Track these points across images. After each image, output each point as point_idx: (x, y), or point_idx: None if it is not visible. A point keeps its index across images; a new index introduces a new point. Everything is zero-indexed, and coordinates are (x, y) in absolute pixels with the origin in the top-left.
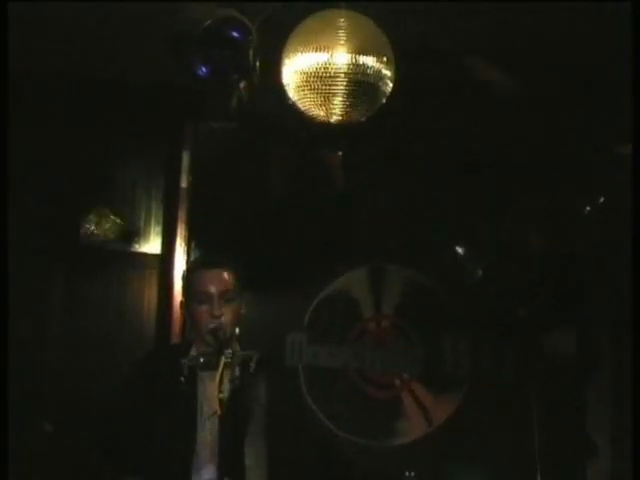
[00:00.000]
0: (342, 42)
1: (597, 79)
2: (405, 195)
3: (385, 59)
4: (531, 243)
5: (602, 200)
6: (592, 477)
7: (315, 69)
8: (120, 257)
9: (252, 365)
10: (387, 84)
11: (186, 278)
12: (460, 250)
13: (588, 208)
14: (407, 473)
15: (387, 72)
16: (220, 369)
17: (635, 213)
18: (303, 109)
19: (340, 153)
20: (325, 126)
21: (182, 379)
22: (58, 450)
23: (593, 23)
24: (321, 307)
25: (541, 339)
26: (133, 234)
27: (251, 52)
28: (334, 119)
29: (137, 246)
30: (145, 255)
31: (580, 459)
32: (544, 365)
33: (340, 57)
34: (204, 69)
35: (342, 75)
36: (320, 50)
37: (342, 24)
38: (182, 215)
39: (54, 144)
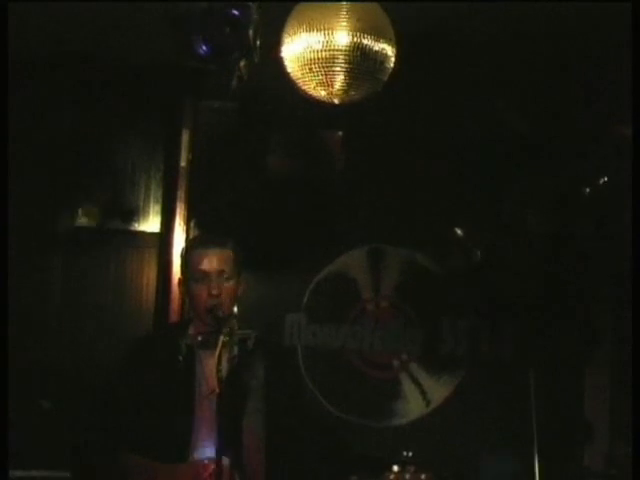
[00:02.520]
0: (343, 22)
1: (598, 61)
2: (405, 176)
3: (386, 39)
4: (531, 224)
5: (603, 181)
6: (589, 459)
7: (316, 49)
8: (119, 236)
9: (250, 344)
10: (388, 64)
11: (185, 257)
12: (459, 231)
13: (588, 189)
14: (404, 453)
15: (388, 52)
16: (219, 348)
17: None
18: (304, 89)
19: (340, 133)
20: (325, 106)
21: (180, 358)
22: (56, 427)
23: (595, 8)
24: (320, 287)
25: (540, 321)
26: (132, 213)
27: (252, 31)
28: (335, 99)
29: (136, 225)
30: (144, 234)
31: (578, 442)
32: (543, 347)
33: (341, 37)
34: (204, 48)
35: (343, 55)
36: (321, 30)
37: (343, 4)
38: (181, 194)
39: (53, 124)
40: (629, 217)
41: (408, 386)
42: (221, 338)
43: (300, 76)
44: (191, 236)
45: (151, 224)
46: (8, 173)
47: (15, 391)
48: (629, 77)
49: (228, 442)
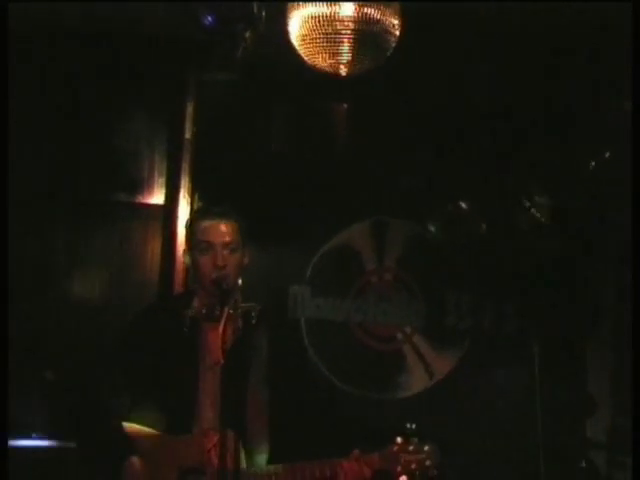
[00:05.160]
0: None
1: (603, 37)
2: (409, 148)
3: (391, 10)
4: (535, 198)
5: (608, 155)
6: (591, 431)
7: (321, 20)
8: (123, 208)
9: (254, 316)
10: (393, 36)
11: (189, 228)
12: (464, 204)
13: (593, 163)
14: (408, 425)
15: (393, 23)
16: (223, 320)
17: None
18: (309, 60)
19: (345, 105)
20: (330, 77)
21: (184, 329)
22: (61, 398)
23: None
24: (324, 260)
25: (544, 295)
26: (136, 185)
27: (256, 2)
28: (340, 70)
29: (141, 197)
30: (148, 206)
31: (581, 415)
32: (546, 321)
33: (346, 8)
34: (210, 18)
35: (348, 26)
36: (326, 0)
37: None
38: (185, 166)
39: (57, 97)
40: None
41: (412, 358)
42: (226, 310)
43: (305, 47)
44: (195, 208)
45: (156, 196)
46: (11, 146)
47: (21, 362)
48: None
49: (232, 413)
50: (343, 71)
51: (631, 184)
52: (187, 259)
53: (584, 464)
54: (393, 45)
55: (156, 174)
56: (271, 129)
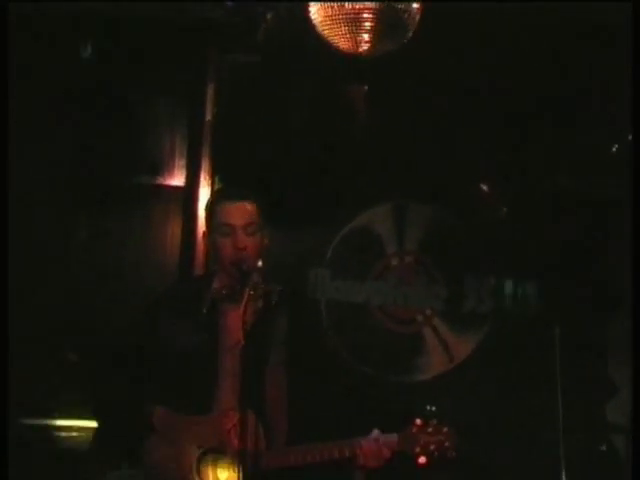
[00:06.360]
0: None
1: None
2: (430, 131)
3: None
4: (556, 180)
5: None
6: (613, 416)
7: (342, 2)
8: (144, 190)
9: (274, 298)
10: (413, 17)
11: (209, 210)
12: (485, 187)
13: (616, 146)
14: (428, 407)
15: (414, 5)
16: (244, 301)
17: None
18: (330, 41)
19: (366, 87)
20: (351, 59)
21: (204, 310)
22: (81, 380)
23: None
24: (344, 242)
25: (564, 277)
26: (157, 167)
27: None
28: (360, 52)
29: (161, 179)
30: (169, 188)
31: (601, 399)
32: (566, 303)
33: None
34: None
35: (369, 7)
36: None
37: None
38: (206, 148)
39: (78, 78)
40: None
41: (431, 341)
42: (246, 291)
43: (326, 29)
44: (216, 190)
45: (176, 178)
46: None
47: (43, 344)
48: None
49: (251, 394)
50: (363, 53)
51: (631, 184)
52: (207, 241)
53: (604, 448)
54: (413, 27)
55: (177, 156)
56: (292, 111)
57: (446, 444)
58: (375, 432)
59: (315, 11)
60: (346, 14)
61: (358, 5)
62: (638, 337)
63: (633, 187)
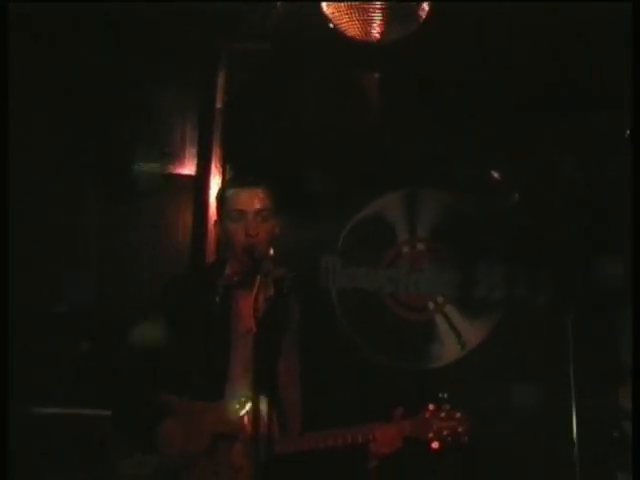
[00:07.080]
0: None
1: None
2: (441, 118)
3: None
4: (568, 167)
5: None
6: (626, 402)
7: None
8: (155, 179)
9: (286, 285)
10: (425, 6)
11: (221, 197)
12: (496, 174)
13: (628, 132)
14: (440, 395)
15: None
16: (256, 288)
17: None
18: (341, 29)
19: (377, 75)
20: (362, 46)
21: (217, 298)
22: (95, 367)
23: None
24: (356, 230)
25: (576, 264)
26: (168, 156)
27: None
28: (371, 39)
29: (172, 167)
30: (180, 176)
31: (614, 384)
32: (579, 290)
33: None
34: None
35: None
36: None
37: None
38: (217, 136)
39: (89, 67)
40: None
41: (443, 328)
42: (258, 278)
43: (337, 16)
44: (227, 177)
45: (187, 167)
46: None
47: (56, 331)
48: None
49: (264, 380)
50: (375, 40)
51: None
52: (219, 228)
53: (617, 434)
54: (424, 14)
55: (188, 144)
56: (302, 98)
57: (459, 429)
58: (398, 411)
59: None
60: (357, 2)
61: None
62: (638, 337)
63: (633, 187)
